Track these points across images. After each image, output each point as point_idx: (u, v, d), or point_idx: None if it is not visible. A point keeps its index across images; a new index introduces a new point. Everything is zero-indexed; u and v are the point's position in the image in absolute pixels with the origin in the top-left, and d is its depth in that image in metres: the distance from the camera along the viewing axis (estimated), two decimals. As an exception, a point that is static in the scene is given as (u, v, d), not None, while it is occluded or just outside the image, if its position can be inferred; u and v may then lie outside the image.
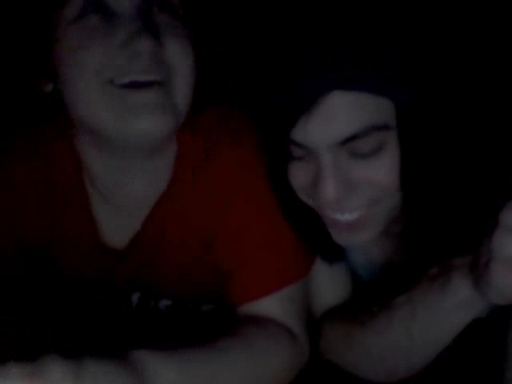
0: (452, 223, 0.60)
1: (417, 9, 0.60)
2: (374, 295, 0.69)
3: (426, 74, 0.58)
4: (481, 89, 0.64)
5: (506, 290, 0.49)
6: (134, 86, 0.60)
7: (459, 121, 0.60)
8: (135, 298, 0.80)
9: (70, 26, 0.61)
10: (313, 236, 0.69)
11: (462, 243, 0.55)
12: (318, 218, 0.66)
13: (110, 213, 0.74)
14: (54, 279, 0.78)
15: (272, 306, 0.69)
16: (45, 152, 0.73)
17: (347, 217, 0.62)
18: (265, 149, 0.67)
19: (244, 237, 0.70)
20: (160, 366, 0.56)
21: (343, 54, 0.55)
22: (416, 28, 0.59)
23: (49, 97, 0.67)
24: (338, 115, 0.56)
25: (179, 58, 0.63)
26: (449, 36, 0.63)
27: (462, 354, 0.65)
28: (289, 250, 0.70)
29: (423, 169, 0.59)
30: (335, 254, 0.72)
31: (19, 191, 0.74)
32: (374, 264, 0.76)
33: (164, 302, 0.81)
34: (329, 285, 0.74)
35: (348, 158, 0.59)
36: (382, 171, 0.59)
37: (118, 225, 0.74)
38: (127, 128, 0.60)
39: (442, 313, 0.56)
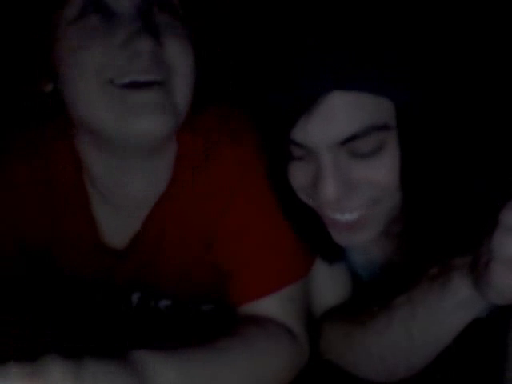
0: (452, 223, 0.60)
1: (417, 8, 0.60)
2: (373, 295, 0.69)
3: (425, 74, 0.58)
4: (481, 89, 0.64)
5: (506, 290, 0.49)
6: (134, 85, 0.60)
7: (459, 121, 0.60)
8: (135, 297, 0.80)
9: (70, 26, 0.61)
10: (313, 236, 0.69)
11: (462, 243, 0.55)
12: (318, 217, 0.66)
13: (110, 213, 0.74)
14: (53, 279, 0.78)
15: (272, 306, 0.69)
16: (45, 152, 0.73)
17: (347, 217, 0.62)
18: (265, 149, 0.67)
19: (244, 237, 0.70)
20: (160, 365, 0.56)
21: (343, 54, 0.55)
22: (416, 28, 0.59)
23: (49, 97, 0.67)
24: (338, 115, 0.56)
25: (179, 57, 0.63)
26: (449, 36, 0.63)
27: (462, 353, 0.65)
28: (289, 250, 0.70)
29: (423, 169, 0.59)
30: (335, 254, 0.72)
31: (19, 191, 0.74)
32: (373, 264, 0.76)
33: (164, 302, 0.81)
34: (329, 285, 0.74)
35: (348, 157, 0.59)
36: (381, 171, 0.59)
37: (117, 225, 0.74)
38: (127, 128, 0.60)
39: (442, 313, 0.56)
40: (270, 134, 0.63)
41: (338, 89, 0.55)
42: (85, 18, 0.61)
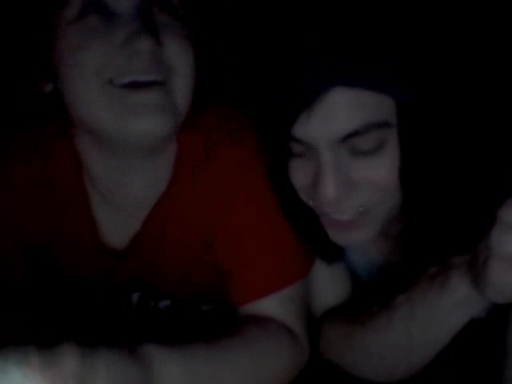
0: (451, 223, 0.60)
1: (417, 7, 0.60)
2: (373, 295, 0.69)
3: (426, 72, 0.58)
4: (481, 88, 0.64)
5: (505, 288, 0.49)
6: (134, 86, 0.60)
7: (459, 120, 0.60)
8: (135, 297, 0.80)
9: (70, 26, 0.61)
10: (312, 236, 0.69)
11: (461, 243, 0.55)
12: (317, 217, 0.66)
13: (110, 213, 0.74)
14: (54, 279, 0.78)
15: (272, 305, 0.69)
16: (45, 152, 0.73)
17: (346, 216, 0.62)
18: (265, 147, 0.66)
19: (244, 237, 0.70)
20: (165, 362, 0.57)
21: (344, 54, 0.55)
22: (417, 27, 0.59)
23: (49, 97, 0.67)
24: (338, 111, 0.56)
25: (179, 57, 0.63)
26: (449, 35, 0.63)
27: (462, 353, 0.65)
28: (289, 250, 0.70)
29: (423, 168, 0.59)
30: (334, 253, 0.72)
31: (19, 191, 0.74)
32: (373, 264, 0.76)
33: (164, 302, 0.81)
34: (329, 285, 0.74)
35: (348, 156, 0.59)
36: (382, 171, 0.59)
37: (117, 225, 0.74)
38: (127, 128, 0.60)
39: (441, 312, 0.56)
40: (271, 131, 0.63)
41: (339, 85, 0.55)
42: (85, 19, 0.61)
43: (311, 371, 0.69)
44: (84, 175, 0.73)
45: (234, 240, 0.70)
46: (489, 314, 0.61)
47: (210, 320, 0.81)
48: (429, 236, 0.63)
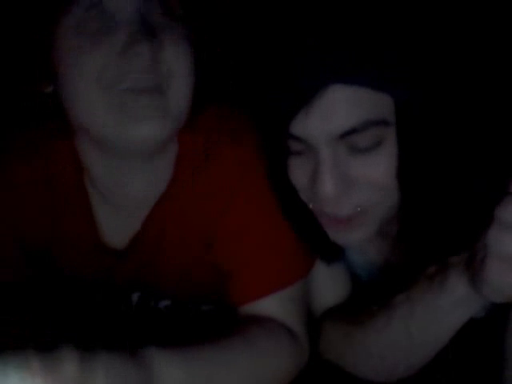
0: (449, 223, 0.60)
1: (417, 7, 0.60)
2: (373, 295, 0.69)
3: (425, 72, 0.58)
4: (481, 87, 0.64)
5: (503, 286, 0.48)
6: (134, 90, 0.60)
7: (459, 119, 0.60)
8: (135, 297, 0.80)
9: (71, 30, 0.61)
10: (312, 236, 0.69)
11: (460, 244, 0.55)
12: (317, 218, 0.66)
13: (110, 213, 0.74)
14: (54, 279, 0.78)
15: (272, 306, 0.69)
16: (45, 152, 0.73)
17: (345, 211, 0.62)
18: (264, 146, 0.66)
19: (244, 237, 0.70)
20: (166, 364, 0.57)
21: (343, 53, 0.55)
22: (416, 26, 0.59)
23: (49, 97, 0.67)
24: (337, 109, 0.56)
25: (178, 60, 0.63)
26: (449, 34, 0.63)
27: (462, 353, 0.65)
28: (289, 250, 0.70)
29: (420, 167, 0.59)
30: (334, 253, 0.72)
31: (19, 191, 0.74)
32: (372, 264, 0.76)
33: (164, 302, 0.81)
34: (329, 285, 0.74)
35: (347, 153, 0.59)
36: (380, 169, 0.59)
37: (118, 225, 0.74)
38: (127, 134, 0.61)
39: (440, 311, 0.56)
40: (270, 130, 0.63)
41: (338, 83, 0.55)
42: (85, 22, 0.61)
43: (311, 371, 0.69)
44: (84, 175, 0.73)
45: (234, 240, 0.70)
46: (488, 313, 0.61)
47: (210, 320, 0.81)
48: (427, 236, 0.63)
